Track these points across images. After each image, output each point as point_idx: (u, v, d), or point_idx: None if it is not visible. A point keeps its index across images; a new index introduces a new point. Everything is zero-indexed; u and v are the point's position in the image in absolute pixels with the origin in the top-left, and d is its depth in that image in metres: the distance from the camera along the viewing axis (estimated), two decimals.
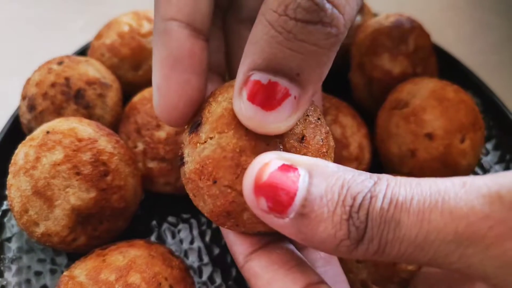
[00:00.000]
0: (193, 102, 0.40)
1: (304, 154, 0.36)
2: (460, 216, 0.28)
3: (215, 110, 0.37)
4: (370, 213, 0.30)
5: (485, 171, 0.69)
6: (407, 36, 0.68)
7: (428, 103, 0.60)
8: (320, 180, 0.31)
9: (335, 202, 0.30)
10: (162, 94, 0.40)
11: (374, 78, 0.69)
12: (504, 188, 0.28)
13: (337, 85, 0.68)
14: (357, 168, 0.61)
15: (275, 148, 0.35)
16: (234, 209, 0.36)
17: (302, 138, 0.36)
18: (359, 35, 0.71)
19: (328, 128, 0.39)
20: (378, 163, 0.66)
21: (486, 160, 0.70)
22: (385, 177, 0.31)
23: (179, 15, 0.40)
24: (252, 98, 0.35)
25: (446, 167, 0.59)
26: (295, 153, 0.35)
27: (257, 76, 0.35)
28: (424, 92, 0.61)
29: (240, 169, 0.34)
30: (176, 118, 0.41)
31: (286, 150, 0.35)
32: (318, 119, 0.38)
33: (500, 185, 0.28)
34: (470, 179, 0.29)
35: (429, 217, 0.28)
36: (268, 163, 0.32)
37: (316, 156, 0.36)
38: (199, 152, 0.36)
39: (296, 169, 0.32)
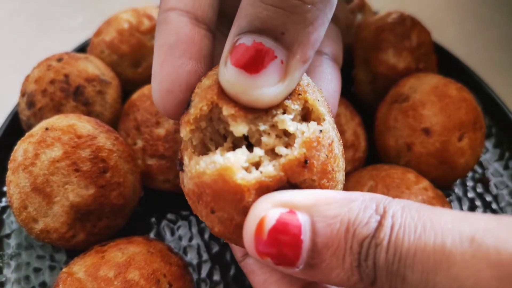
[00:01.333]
0: (189, 87, 0.39)
1: (309, 178, 0.33)
2: (467, 287, 0.26)
3: (204, 83, 0.36)
4: (377, 263, 0.28)
5: (484, 168, 0.69)
6: (410, 32, 0.69)
7: (428, 99, 0.60)
8: (324, 226, 0.29)
9: (343, 250, 0.29)
10: (157, 80, 0.40)
11: (379, 73, 0.69)
12: None
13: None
14: (353, 156, 0.63)
15: (281, 182, 0.33)
16: (234, 237, 0.34)
17: (306, 162, 0.33)
18: (362, 32, 0.71)
19: (332, 133, 0.36)
20: (377, 155, 0.66)
21: (485, 158, 0.70)
22: (390, 212, 0.29)
23: (178, 4, 0.40)
24: (236, 62, 0.33)
25: (442, 163, 0.59)
26: (299, 179, 0.33)
27: (242, 40, 0.33)
28: (426, 88, 0.61)
29: (242, 205, 0.32)
30: (172, 105, 0.39)
31: (288, 178, 0.33)
32: (320, 131, 0.34)
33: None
34: (479, 234, 0.26)
35: (434, 279, 0.27)
36: (265, 218, 0.30)
37: (321, 179, 0.34)
38: (199, 174, 0.33)
39: (296, 215, 0.30)
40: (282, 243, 0.30)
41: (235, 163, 0.32)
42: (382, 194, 0.52)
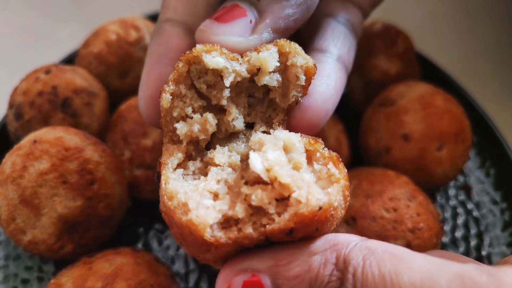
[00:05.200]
0: None
1: (289, 240, 0.33)
2: None
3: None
4: None
5: (465, 176, 0.70)
6: (396, 39, 0.71)
7: (412, 106, 0.62)
8: (287, 287, 0.31)
9: None
10: (143, 86, 0.42)
11: (373, 78, 0.71)
12: None
13: None
14: None
15: (259, 242, 0.32)
16: (205, 262, 0.36)
17: (290, 232, 0.32)
18: None
19: (338, 199, 0.33)
20: (359, 162, 0.68)
21: (467, 165, 0.71)
22: (351, 268, 0.29)
23: (174, 15, 0.43)
24: (211, 17, 0.38)
25: (419, 170, 0.61)
26: (279, 240, 0.33)
27: (224, 5, 0.39)
28: (413, 95, 0.63)
29: (209, 252, 0.33)
30: (155, 111, 0.40)
31: (268, 238, 0.32)
32: (320, 208, 0.32)
33: None
34: None
35: None
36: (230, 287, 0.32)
37: (303, 238, 0.33)
38: (170, 209, 0.33)
39: (259, 278, 0.31)
40: None
41: (204, 222, 0.31)
42: (367, 189, 0.56)
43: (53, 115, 0.61)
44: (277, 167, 0.32)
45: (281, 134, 0.35)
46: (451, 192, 0.69)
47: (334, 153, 0.35)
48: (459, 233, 0.65)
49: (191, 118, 0.37)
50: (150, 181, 0.60)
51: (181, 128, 0.37)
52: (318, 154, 0.35)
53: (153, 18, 0.79)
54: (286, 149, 0.35)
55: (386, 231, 0.52)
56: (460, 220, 0.66)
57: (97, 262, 0.50)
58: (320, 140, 0.36)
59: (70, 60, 0.76)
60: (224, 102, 0.38)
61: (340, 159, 0.35)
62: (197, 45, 0.36)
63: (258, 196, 0.32)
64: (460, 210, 0.67)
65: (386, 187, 0.55)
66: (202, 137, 0.38)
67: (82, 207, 0.52)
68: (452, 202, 0.68)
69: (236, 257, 0.34)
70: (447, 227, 0.65)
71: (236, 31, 0.37)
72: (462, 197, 0.68)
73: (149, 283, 0.49)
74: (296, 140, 0.35)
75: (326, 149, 0.36)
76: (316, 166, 0.35)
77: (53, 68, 0.65)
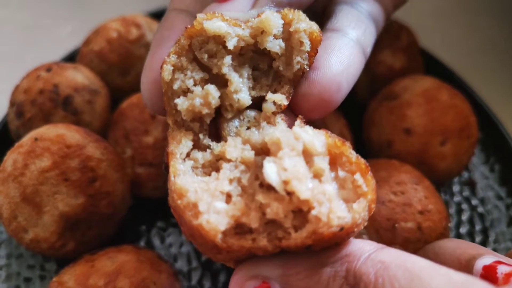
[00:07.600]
0: None
1: (306, 251, 0.32)
2: None
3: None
4: None
5: (470, 171, 0.70)
6: (399, 33, 0.71)
7: (415, 100, 0.61)
8: None
9: None
10: (146, 71, 0.41)
11: (378, 73, 0.70)
12: None
13: None
14: None
15: (273, 252, 0.31)
16: (215, 260, 0.35)
17: (308, 248, 0.31)
18: None
19: (363, 215, 0.31)
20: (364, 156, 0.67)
21: (471, 161, 0.71)
22: (362, 285, 0.28)
23: (180, 5, 0.43)
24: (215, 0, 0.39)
25: (422, 164, 0.60)
26: (294, 250, 0.31)
27: None
28: (417, 89, 0.62)
29: (220, 254, 0.32)
30: (157, 96, 0.39)
31: (283, 248, 0.31)
32: (342, 229, 0.30)
33: None
34: None
35: None
36: None
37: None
38: (179, 207, 0.31)
39: (269, 285, 0.31)
40: None
41: (215, 228, 0.30)
42: (373, 176, 0.53)
43: (54, 113, 0.60)
44: (295, 181, 0.30)
45: (303, 134, 0.32)
46: (456, 188, 0.68)
47: (363, 160, 0.32)
48: (464, 229, 0.64)
49: (192, 92, 0.36)
50: (152, 179, 0.60)
51: (182, 103, 0.36)
52: (344, 159, 0.32)
53: (155, 15, 0.79)
54: (306, 152, 0.32)
55: (395, 214, 0.51)
56: (465, 216, 0.65)
57: (100, 260, 0.50)
58: (347, 142, 0.33)
59: (71, 58, 0.76)
60: (225, 70, 0.36)
61: (369, 167, 0.32)
62: (198, 15, 0.36)
63: (273, 209, 0.30)
64: (464, 206, 0.66)
65: (392, 173, 0.55)
66: (205, 111, 0.36)
67: (84, 205, 0.51)
68: (457, 198, 0.67)
69: (248, 260, 0.33)
70: (452, 223, 0.64)
71: (236, 7, 0.37)
72: (466, 193, 0.68)
73: (152, 281, 0.49)
74: (319, 145, 0.32)
75: (353, 152, 0.33)
76: (341, 172, 0.32)
77: (54, 66, 0.64)
